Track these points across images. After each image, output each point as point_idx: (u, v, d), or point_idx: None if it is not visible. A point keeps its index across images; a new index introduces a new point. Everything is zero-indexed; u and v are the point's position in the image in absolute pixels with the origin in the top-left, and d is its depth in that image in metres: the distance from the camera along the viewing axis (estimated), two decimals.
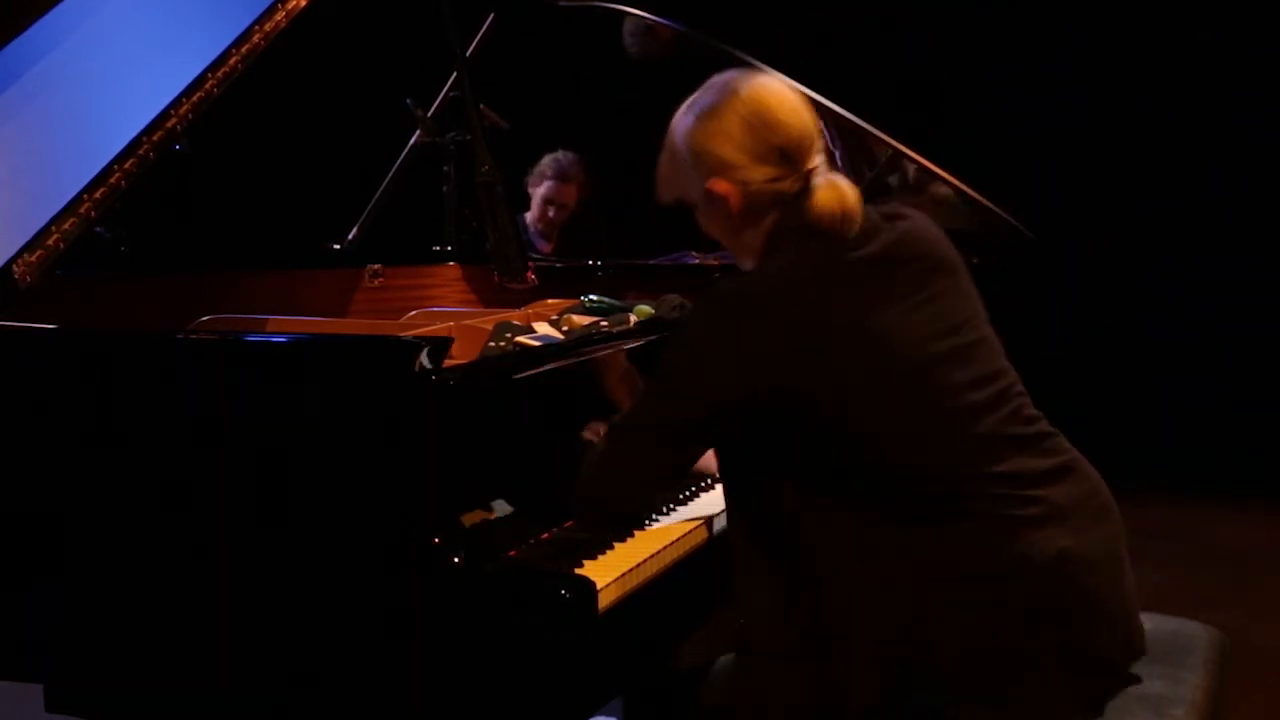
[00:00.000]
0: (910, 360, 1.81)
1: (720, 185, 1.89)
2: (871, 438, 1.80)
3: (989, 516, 1.80)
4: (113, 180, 2.08)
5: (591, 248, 4.69)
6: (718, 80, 1.93)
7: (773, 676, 1.85)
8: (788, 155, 1.88)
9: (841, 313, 1.81)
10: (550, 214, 4.92)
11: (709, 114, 1.90)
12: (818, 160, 1.91)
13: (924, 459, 1.81)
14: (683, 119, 1.93)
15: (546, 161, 4.94)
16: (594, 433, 2.14)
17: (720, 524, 2.13)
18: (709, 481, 2.32)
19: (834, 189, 1.87)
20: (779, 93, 1.91)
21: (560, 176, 4.90)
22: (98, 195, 2.06)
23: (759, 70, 1.96)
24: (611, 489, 1.92)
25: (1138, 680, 1.94)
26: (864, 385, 1.79)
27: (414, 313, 2.78)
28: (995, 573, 1.79)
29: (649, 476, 1.92)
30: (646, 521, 2.07)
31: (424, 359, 1.76)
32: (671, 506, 2.15)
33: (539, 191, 4.94)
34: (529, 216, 4.98)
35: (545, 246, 4.97)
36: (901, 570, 1.79)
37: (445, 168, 3.39)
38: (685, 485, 2.26)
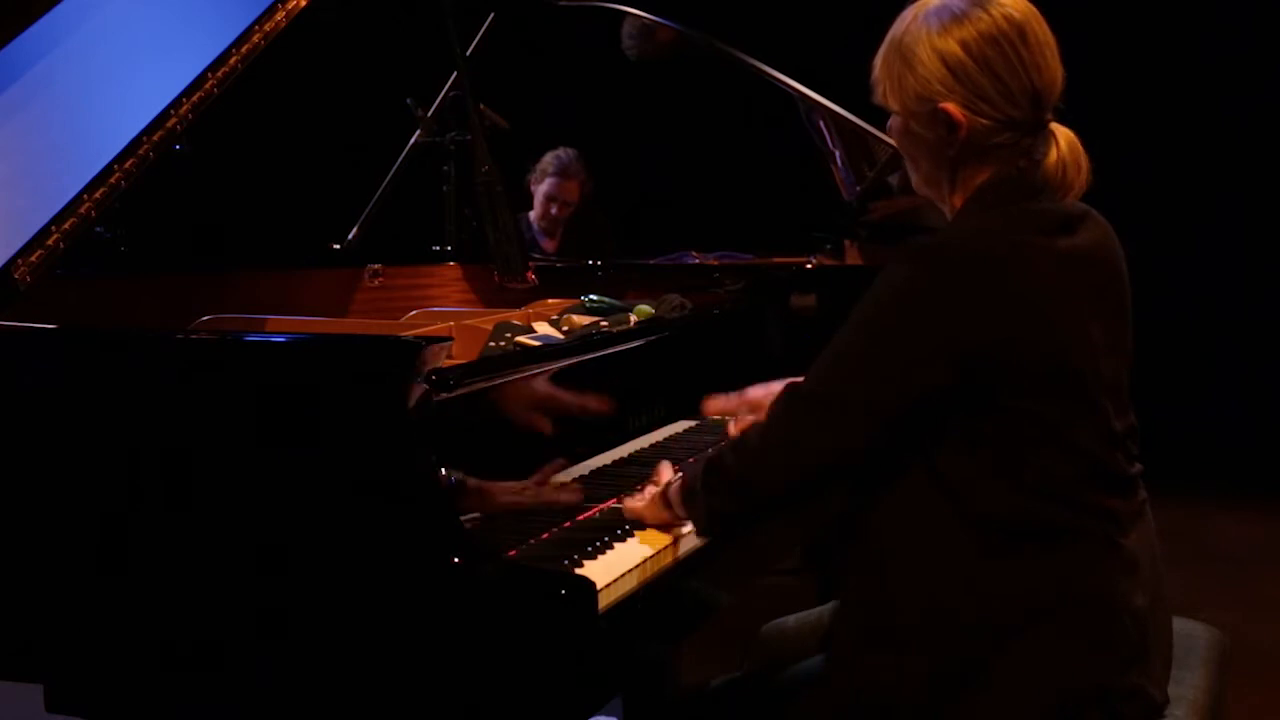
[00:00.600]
0: (1085, 370, 1.66)
1: (955, 110, 1.66)
2: (1032, 442, 1.63)
3: (1093, 546, 1.68)
4: (113, 180, 2.08)
5: (595, 246, 4.72)
6: None
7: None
8: (1039, 101, 1.68)
9: (1047, 293, 1.63)
10: (553, 210, 4.94)
11: (960, 24, 1.66)
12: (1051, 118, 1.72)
13: (1064, 468, 1.65)
14: (923, 21, 1.69)
15: (548, 159, 4.97)
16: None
17: None
18: None
19: (1073, 148, 1.69)
20: (1044, 27, 1.69)
21: (562, 173, 4.93)
22: (98, 195, 2.06)
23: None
24: (776, 467, 1.71)
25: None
26: (1048, 379, 1.62)
27: (414, 313, 2.78)
28: (1081, 604, 1.68)
29: (825, 458, 1.70)
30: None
31: (423, 359, 1.76)
32: None
33: (541, 189, 4.96)
34: (532, 215, 5.00)
35: (549, 244, 4.98)
36: (990, 580, 1.67)
37: (445, 168, 3.39)
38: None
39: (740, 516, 1.85)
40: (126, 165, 2.10)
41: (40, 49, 2.37)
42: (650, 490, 1.96)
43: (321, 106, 5.27)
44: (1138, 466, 1.79)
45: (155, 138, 2.14)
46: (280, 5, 2.36)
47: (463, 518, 1.81)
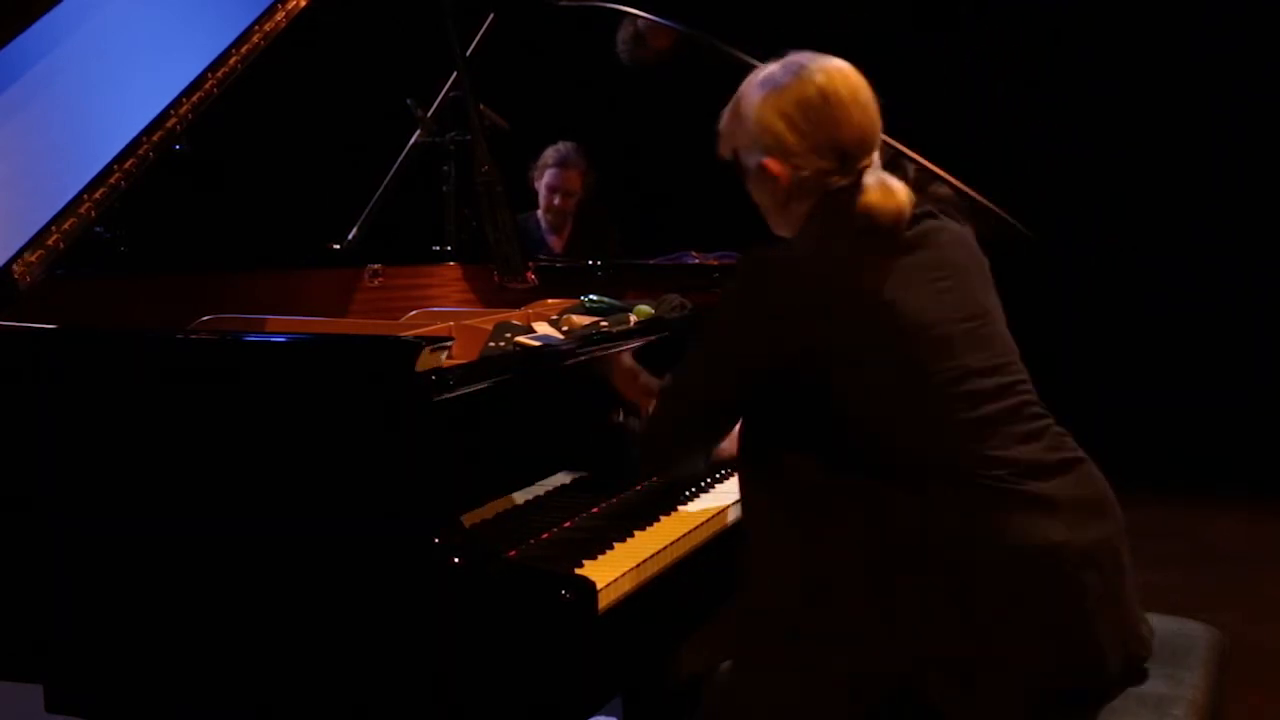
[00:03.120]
0: (925, 335, 1.84)
1: (774, 165, 1.92)
2: (881, 406, 1.82)
3: (982, 493, 1.80)
4: (113, 180, 2.08)
5: (601, 244, 4.73)
6: (794, 60, 1.94)
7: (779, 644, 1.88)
8: (846, 153, 1.91)
9: (869, 280, 1.84)
10: (556, 201, 4.95)
11: (778, 93, 1.92)
12: (873, 158, 1.94)
13: (926, 432, 1.82)
14: (754, 88, 1.95)
15: (548, 152, 4.99)
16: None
17: (720, 525, 2.14)
18: (708, 483, 2.32)
19: (885, 190, 1.89)
20: (852, 87, 1.93)
21: (561, 163, 4.95)
22: (98, 195, 2.06)
23: (834, 59, 1.96)
24: (664, 449, 2.01)
25: (1136, 682, 1.93)
26: (879, 353, 1.82)
27: (414, 313, 2.78)
28: (980, 555, 1.79)
29: (695, 438, 2.00)
30: (648, 522, 2.07)
31: (424, 359, 1.76)
32: (672, 505, 2.15)
33: (543, 181, 4.99)
34: (539, 211, 5.02)
35: (556, 241, 4.99)
36: (881, 542, 1.81)
37: (445, 168, 3.39)
38: (686, 485, 2.26)
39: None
40: (126, 165, 2.10)
41: (40, 49, 2.37)
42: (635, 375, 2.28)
43: (321, 106, 5.27)
44: (1047, 422, 1.91)
45: (155, 138, 2.14)
46: (280, 5, 2.36)
47: (464, 515, 1.81)
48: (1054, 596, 1.80)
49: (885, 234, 1.87)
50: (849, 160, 1.91)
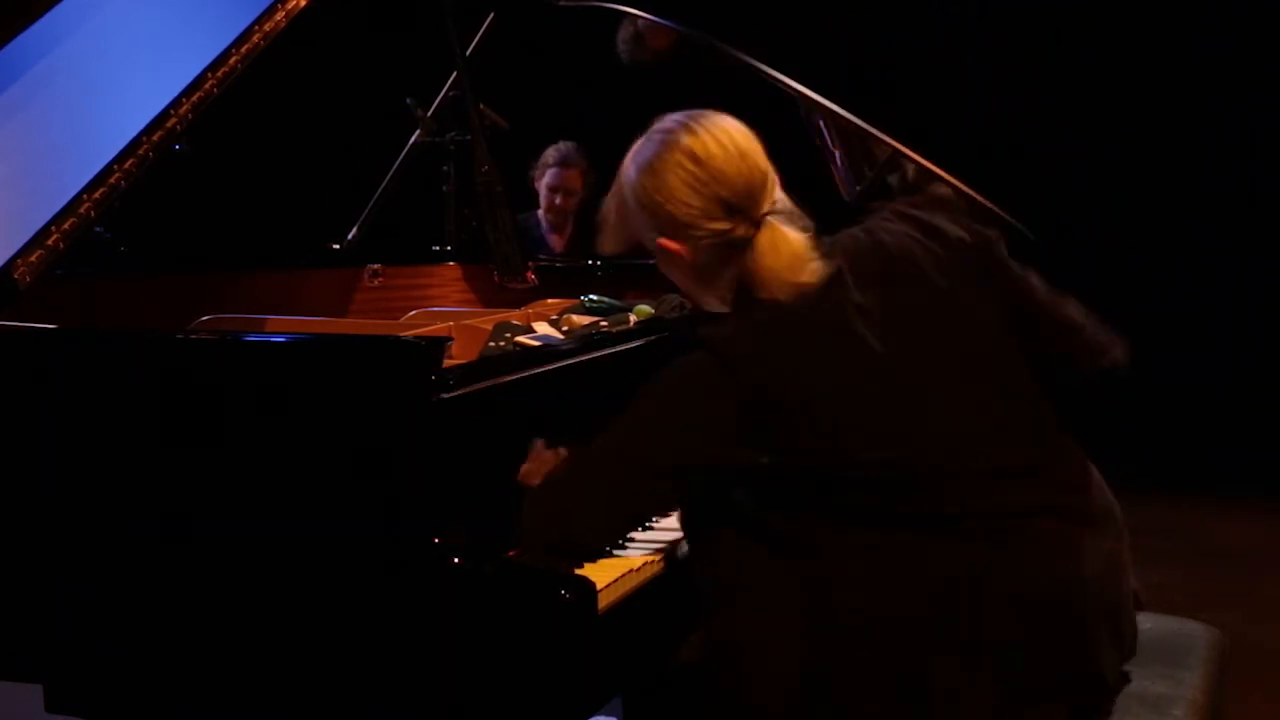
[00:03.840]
0: (899, 391, 1.75)
1: (670, 244, 1.84)
2: (863, 470, 1.73)
3: (990, 538, 1.75)
4: (113, 180, 2.08)
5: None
6: (659, 129, 1.86)
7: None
8: (735, 207, 1.81)
9: (808, 375, 1.74)
10: (558, 201, 4.96)
11: (651, 169, 1.83)
12: (773, 202, 1.84)
13: (921, 488, 1.74)
14: (628, 171, 1.87)
15: (548, 151, 5.00)
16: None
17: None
18: None
19: (772, 240, 1.80)
20: (722, 138, 1.83)
21: (562, 162, 4.96)
22: (98, 195, 2.06)
23: (701, 114, 1.86)
24: (566, 526, 1.83)
25: (1127, 680, 1.93)
26: (849, 428, 1.73)
27: (414, 313, 2.78)
28: (997, 599, 1.74)
29: (608, 521, 1.85)
30: (647, 523, 2.07)
31: (424, 359, 1.76)
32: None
33: (544, 181, 5.00)
34: (540, 211, 5.02)
35: (557, 240, 5.00)
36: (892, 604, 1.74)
37: (445, 168, 3.39)
38: None
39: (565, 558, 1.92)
40: (126, 165, 2.10)
41: (40, 49, 2.37)
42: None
43: (321, 106, 5.27)
44: (1019, 457, 1.80)
45: (155, 138, 2.14)
46: (280, 5, 2.36)
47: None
48: (1071, 637, 1.77)
49: (805, 293, 1.78)
50: (740, 211, 1.80)
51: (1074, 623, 1.78)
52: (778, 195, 1.85)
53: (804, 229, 1.85)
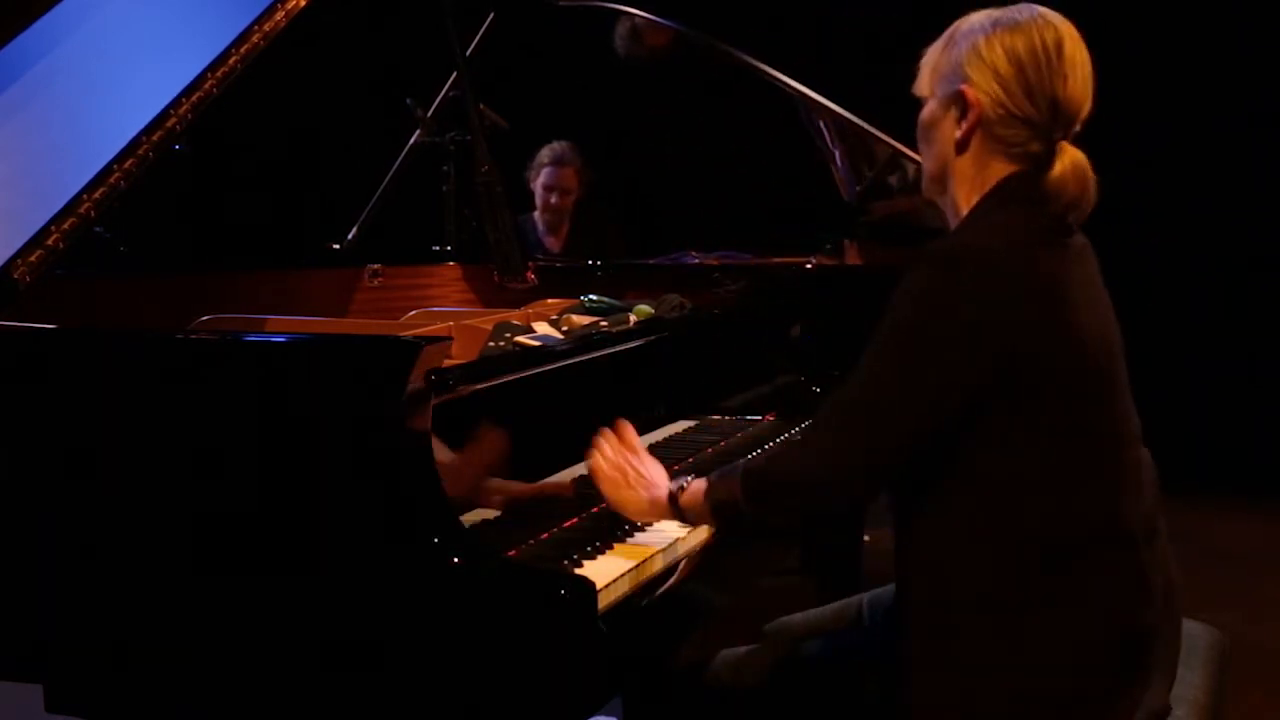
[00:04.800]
0: (1103, 370, 1.75)
1: (972, 92, 1.75)
2: (1068, 431, 1.70)
3: (1118, 559, 1.77)
4: (113, 180, 2.08)
5: (599, 244, 4.74)
6: (1031, 6, 1.78)
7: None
8: (1056, 109, 1.74)
9: (1061, 294, 1.70)
10: (553, 200, 4.96)
11: (1008, 27, 1.75)
12: (1071, 133, 1.78)
13: (1097, 477, 1.74)
14: (978, 19, 1.79)
15: (543, 151, 5.00)
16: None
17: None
18: None
19: (1079, 167, 1.75)
20: (1083, 52, 1.76)
21: (556, 162, 4.96)
22: (97, 195, 2.06)
23: (1072, 28, 1.79)
24: (840, 473, 1.73)
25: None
26: (1070, 368, 1.70)
27: (414, 313, 2.78)
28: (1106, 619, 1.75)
29: (883, 459, 1.72)
30: (647, 523, 2.07)
31: (424, 359, 1.76)
32: None
33: (539, 181, 5.00)
34: (536, 213, 5.02)
35: (553, 241, 5.00)
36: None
37: (445, 168, 3.39)
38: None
39: (786, 525, 1.90)
40: (126, 165, 2.10)
41: (40, 49, 2.37)
42: (643, 489, 1.97)
43: (321, 106, 5.26)
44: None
45: (155, 138, 2.14)
46: (280, 5, 2.36)
47: (464, 516, 1.81)
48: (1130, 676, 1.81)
49: (1063, 225, 1.75)
50: (1058, 120, 1.74)
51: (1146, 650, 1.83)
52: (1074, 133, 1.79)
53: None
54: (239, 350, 1.93)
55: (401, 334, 2.28)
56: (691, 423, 2.60)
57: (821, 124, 3.31)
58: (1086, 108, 1.78)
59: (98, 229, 2.20)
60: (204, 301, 2.57)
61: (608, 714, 2.46)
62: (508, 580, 1.70)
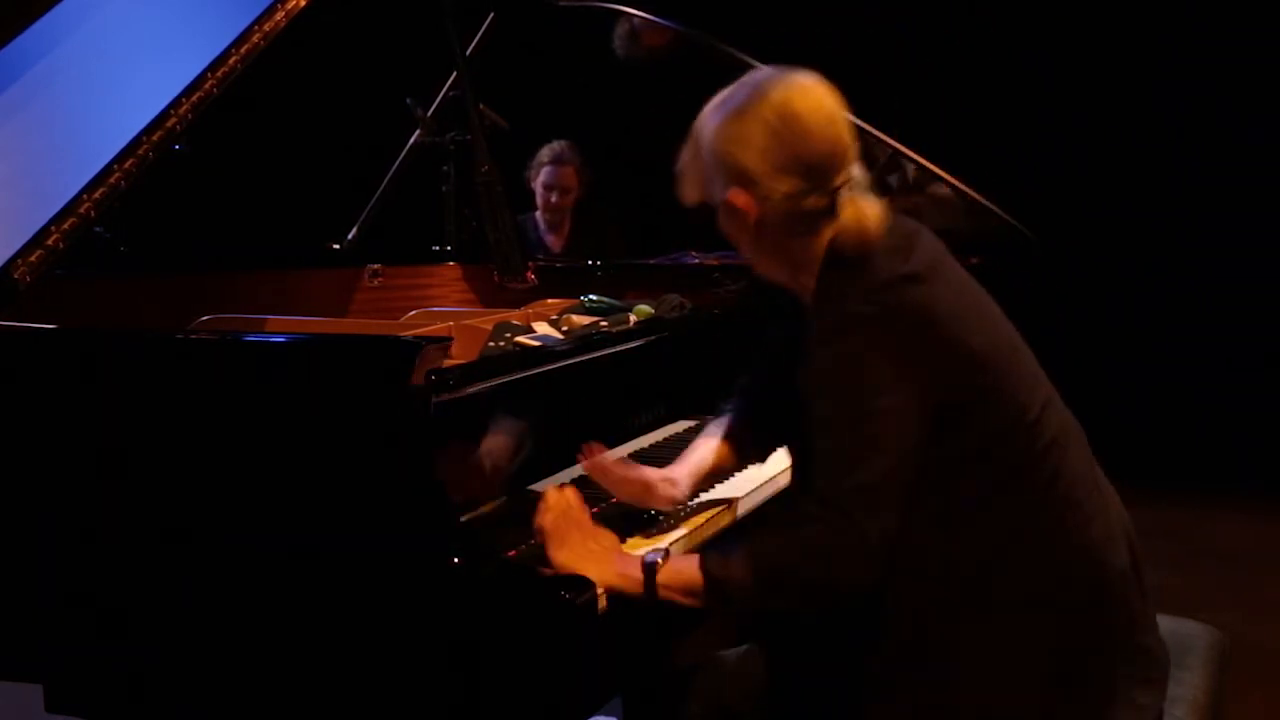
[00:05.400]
0: (994, 363, 1.77)
1: (738, 197, 1.77)
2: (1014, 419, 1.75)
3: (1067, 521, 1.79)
4: (113, 180, 2.08)
5: (600, 243, 4.75)
6: (751, 79, 1.80)
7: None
8: (812, 169, 1.75)
9: (936, 314, 1.73)
10: (553, 199, 4.98)
11: (734, 115, 1.76)
12: (849, 175, 1.79)
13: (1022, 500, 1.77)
14: (710, 116, 1.80)
15: (542, 151, 5.03)
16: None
17: (723, 523, 2.13)
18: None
19: (855, 210, 1.77)
20: (814, 100, 1.77)
21: (556, 160, 4.99)
22: (97, 195, 2.06)
23: (795, 72, 1.80)
24: (874, 509, 1.69)
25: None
26: (978, 378, 1.74)
27: (414, 313, 2.78)
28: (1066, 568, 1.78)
29: (896, 488, 1.71)
30: (648, 522, 2.07)
31: (424, 359, 1.76)
32: None
33: (539, 180, 5.02)
34: (537, 212, 5.04)
35: (555, 240, 5.01)
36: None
37: (445, 168, 3.39)
38: None
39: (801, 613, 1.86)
40: (126, 165, 2.10)
41: (40, 49, 2.37)
42: (606, 557, 1.81)
43: (321, 106, 5.26)
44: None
45: (155, 138, 2.14)
46: (280, 5, 2.36)
47: (464, 515, 1.81)
48: (1121, 616, 1.83)
49: (891, 261, 1.75)
50: (817, 177, 1.75)
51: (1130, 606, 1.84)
52: (854, 171, 1.80)
53: (878, 199, 1.82)
54: (239, 350, 1.93)
55: (401, 334, 2.28)
56: (691, 423, 2.60)
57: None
58: (843, 146, 1.78)
59: (98, 229, 2.20)
60: (204, 301, 2.57)
61: (608, 714, 2.46)
62: (508, 580, 1.70)
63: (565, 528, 1.79)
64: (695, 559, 1.76)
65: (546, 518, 1.80)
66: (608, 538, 1.83)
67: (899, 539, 1.71)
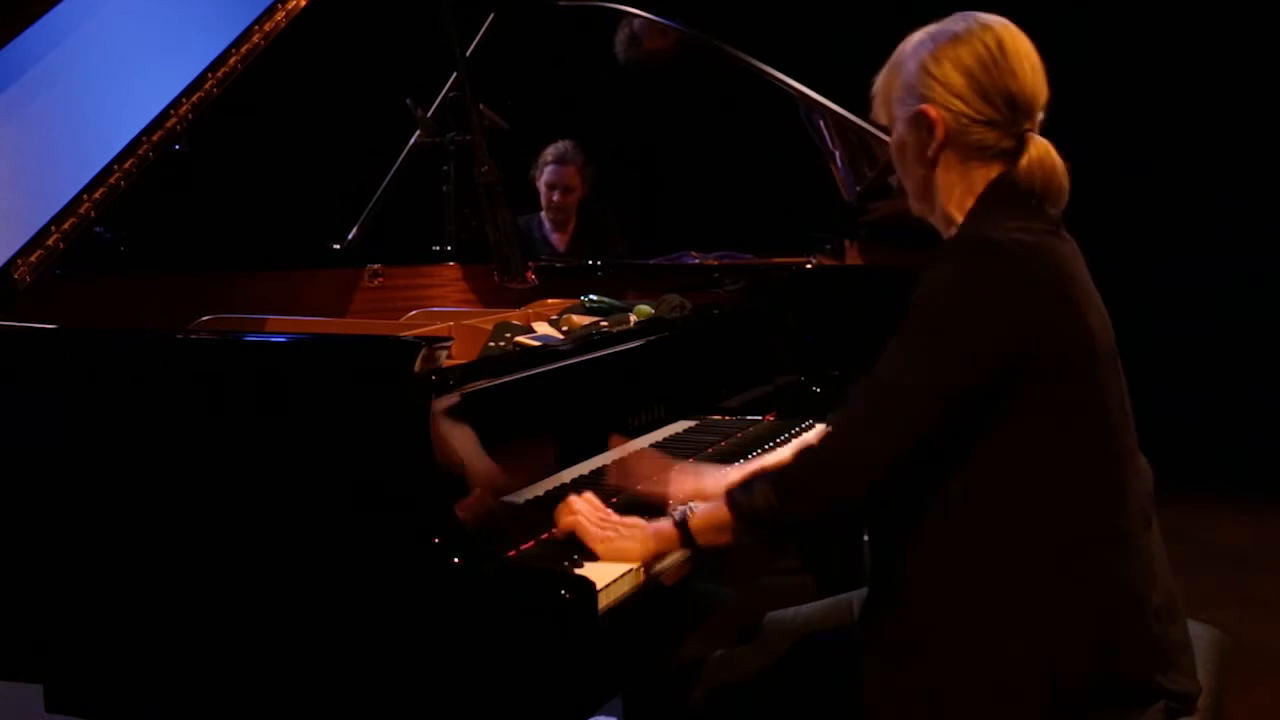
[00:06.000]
0: (1106, 358, 1.80)
1: (933, 110, 1.81)
2: (1096, 415, 1.76)
3: (1123, 545, 1.79)
4: (112, 180, 2.08)
5: (603, 243, 4.77)
6: (968, 13, 1.86)
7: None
8: (1013, 103, 1.81)
9: (1073, 286, 1.76)
10: (556, 198, 5.02)
11: (949, 39, 1.82)
12: (1036, 124, 1.85)
13: (1100, 467, 1.77)
14: (918, 38, 1.86)
15: (546, 150, 5.08)
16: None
17: None
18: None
19: (1046, 154, 1.82)
20: (1026, 44, 1.84)
21: (559, 159, 5.04)
22: (97, 195, 2.06)
23: (1007, 21, 1.86)
24: (858, 463, 1.73)
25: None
26: (1082, 356, 1.75)
27: (414, 313, 2.78)
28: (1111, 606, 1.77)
29: (908, 442, 1.72)
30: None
31: (424, 359, 1.76)
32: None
33: (542, 179, 5.07)
34: (542, 213, 5.08)
35: (559, 239, 5.04)
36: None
37: (445, 168, 3.39)
38: None
39: (817, 525, 1.87)
40: (126, 165, 2.10)
41: (40, 49, 2.37)
42: (639, 530, 1.91)
43: (321, 106, 5.26)
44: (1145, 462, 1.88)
45: (155, 138, 2.14)
46: (280, 5, 2.36)
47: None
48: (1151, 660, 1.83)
49: (1056, 222, 1.82)
50: (1017, 114, 1.81)
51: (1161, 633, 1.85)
52: (1040, 119, 1.86)
53: None
54: (239, 350, 1.93)
55: (401, 334, 2.28)
56: (691, 423, 2.60)
57: (821, 124, 3.31)
58: (1043, 95, 1.85)
59: (98, 229, 2.20)
60: (204, 301, 2.57)
61: (607, 714, 2.46)
62: (508, 581, 1.70)
63: (596, 522, 1.90)
64: (721, 501, 1.85)
65: (574, 519, 1.90)
66: (634, 519, 1.93)
67: (930, 531, 1.74)
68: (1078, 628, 1.73)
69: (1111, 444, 1.79)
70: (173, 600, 1.81)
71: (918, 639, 1.77)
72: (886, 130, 1.93)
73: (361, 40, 4.71)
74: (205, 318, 2.45)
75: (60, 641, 1.87)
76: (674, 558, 1.91)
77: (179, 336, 2.13)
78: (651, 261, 3.44)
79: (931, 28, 1.86)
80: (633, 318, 2.59)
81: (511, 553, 1.85)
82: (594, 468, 2.23)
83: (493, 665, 1.66)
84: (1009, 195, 1.82)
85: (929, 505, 1.76)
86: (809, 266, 3.24)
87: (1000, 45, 1.81)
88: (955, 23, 1.84)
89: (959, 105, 1.81)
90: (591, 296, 2.73)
